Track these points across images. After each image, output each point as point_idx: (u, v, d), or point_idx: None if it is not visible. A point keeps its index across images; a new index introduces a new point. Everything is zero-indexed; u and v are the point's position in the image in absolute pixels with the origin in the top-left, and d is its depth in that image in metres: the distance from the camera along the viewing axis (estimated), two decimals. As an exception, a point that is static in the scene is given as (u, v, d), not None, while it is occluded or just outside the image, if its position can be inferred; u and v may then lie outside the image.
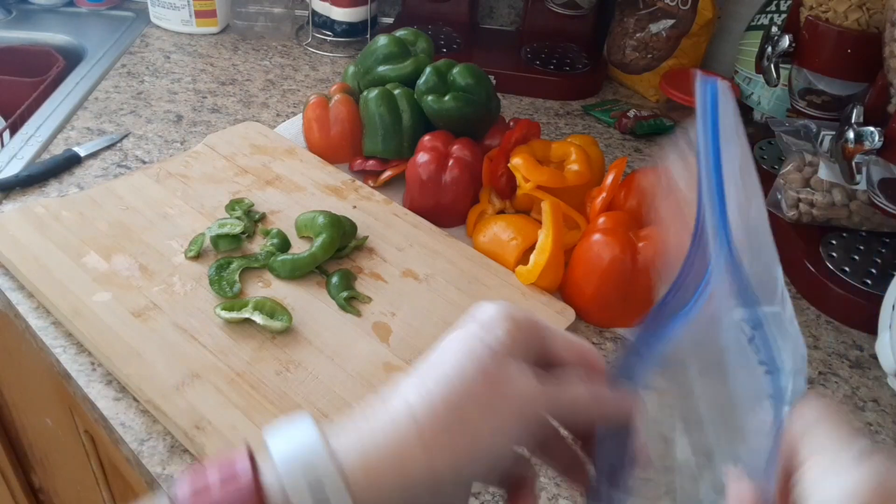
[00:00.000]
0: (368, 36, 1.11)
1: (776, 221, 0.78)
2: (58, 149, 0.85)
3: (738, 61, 1.01)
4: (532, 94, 1.05)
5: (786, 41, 0.76)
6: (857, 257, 0.73)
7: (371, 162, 0.81)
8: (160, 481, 0.50)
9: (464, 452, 0.28)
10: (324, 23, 1.12)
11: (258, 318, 0.59)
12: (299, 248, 0.69)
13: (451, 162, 0.74)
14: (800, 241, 0.75)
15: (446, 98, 0.77)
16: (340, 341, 0.60)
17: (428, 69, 0.79)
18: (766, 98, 0.97)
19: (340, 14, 1.10)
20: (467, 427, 0.28)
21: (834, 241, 0.75)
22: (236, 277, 0.64)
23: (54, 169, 0.79)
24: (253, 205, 0.73)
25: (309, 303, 0.63)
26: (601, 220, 0.66)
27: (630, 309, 0.66)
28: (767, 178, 0.82)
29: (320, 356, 0.58)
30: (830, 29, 0.73)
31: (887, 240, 0.76)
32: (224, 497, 0.26)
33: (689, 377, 0.33)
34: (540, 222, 0.69)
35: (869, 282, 0.70)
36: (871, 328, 0.66)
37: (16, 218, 0.68)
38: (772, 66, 0.78)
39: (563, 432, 0.33)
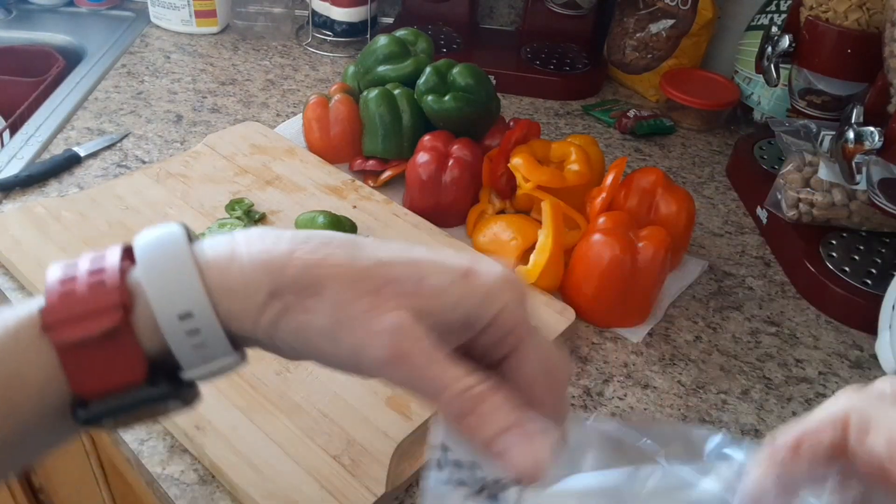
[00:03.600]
0: (368, 36, 1.11)
1: (776, 221, 0.79)
2: (58, 149, 0.85)
3: (738, 61, 1.01)
4: (532, 94, 1.05)
5: (786, 41, 0.76)
6: (857, 257, 0.73)
7: (371, 162, 0.81)
8: (160, 481, 0.50)
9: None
10: (324, 23, 1.12)
11: (258, 318, 0.59)
12: (299, 248, 0.69)
13: (451, 162, 0.74)
14: (800, 241, 0.75)
15: (446, 98, 0.77)
16: (340, 341, 0.60)
17: (428, 69, 0.79)
18: (766, 98, 0.97)
19: (340, 14, 1.10)
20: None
21: (834, 241, 0.75)
22: (236, 277, 0.64)
23: (54, 169, 0.79)
24: (253, 205, 0.73)
25: (309, 303, 0.63)
26: (601, 220, 0.66)
27: (630, 309, 0.66)
28: (767, 178, 0.82)
29: (320, 356, 0.58)
30: (830, 29, 0.73)
31: (887, 240, 0.76)
32: (88, 286, 0.27)
33: None
34: (540, 222, 0.69)
35: (869, 282, 0.70)
36: (871, 328, 0.66)
37: (16, 218, 0.68)
38: (772, 66, 0.78)
39: None
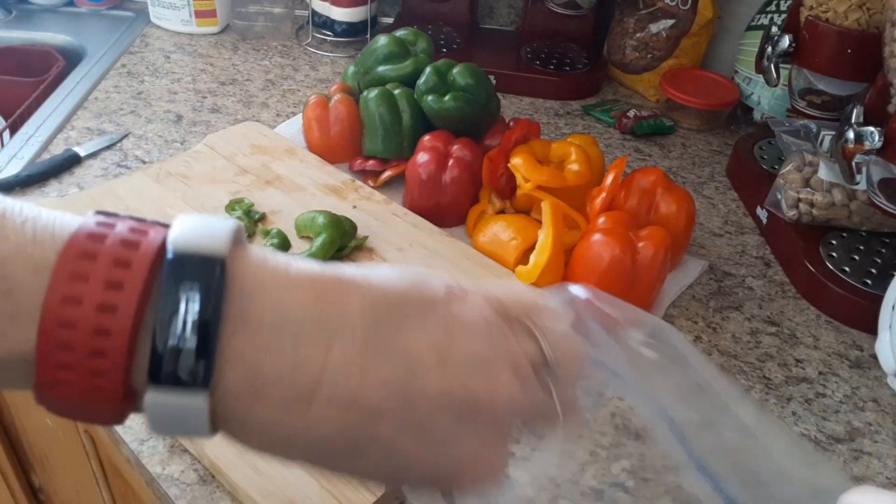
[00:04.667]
0: (368, 36, 1.11)
1: (776, 221, 0.79)
2: (58, 149, 0.85)
3: (738, 61, 1.01)
4: (532, 94, 1.05)
5: (786, 41, 0.76)
6: (857, 257, 0.73)
7: (371, 162, 0.81)
8: (160, 481, 0.50)
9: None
10: (324, 23, 1.12)
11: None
12: (299, 248, 0.69)
13: (451, 162, 0.74)
14: (800, 241, 0.75)
15: (446, 98, 0.77)
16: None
17: (428, 69, 0.79)
18: (766, 98, 0.97)
19: (340, 14, 1.10)
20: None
21: (834, 241, 0.75)
22: (236, 277, 0.64)
23: (54, 169, 0.79)
24: (253, 205, 0.73)
25: (309, 303, 0.63)
26: (601, 220, 0.66)
27: (630, 309, 0.66)
28: (767, 178, 0.82)
29: (320, 356, 0.58)
30: (830, 29, 0.73)
31: (887, 240, 0.76)
32: (122, 239, 0.24)
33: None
34: (540, 222, 0.69)
35: (869, 282, 0.70)
36: (871, 328, 0.66)
37: (16, 218, 0.68)
38: (772, 66, 0.78)
39: None
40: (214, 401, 0.25)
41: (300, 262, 0.27)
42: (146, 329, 0.24)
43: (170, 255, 0.24)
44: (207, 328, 0.24)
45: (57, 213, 0.25)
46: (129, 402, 0.24)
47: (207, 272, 0.24)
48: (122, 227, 0.25)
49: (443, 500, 0.31)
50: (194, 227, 0.25)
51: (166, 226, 0.26)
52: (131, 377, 0.24)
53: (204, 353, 0.24)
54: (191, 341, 0.24)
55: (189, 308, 0.24)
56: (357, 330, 0.26)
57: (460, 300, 0.30)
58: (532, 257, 0.67)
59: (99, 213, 0.26)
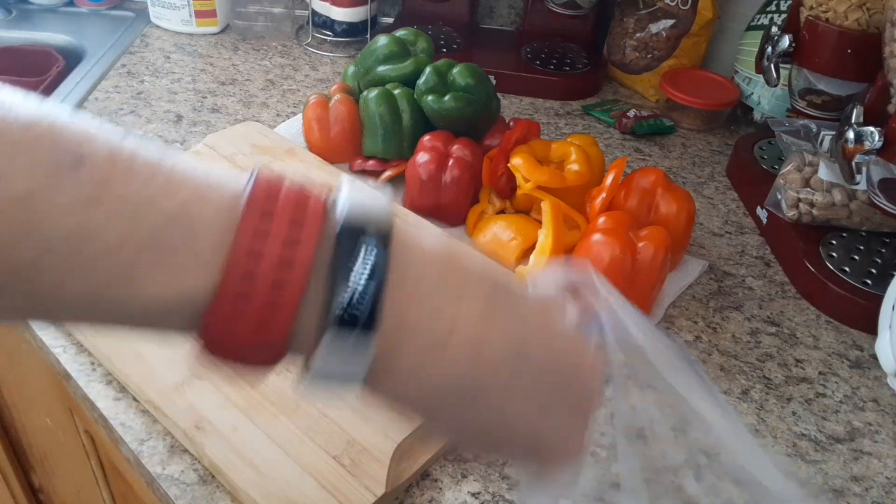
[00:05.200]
0: (368, 36, 1.11)
1: (776, 221, 0.79)
2: (58, 149, 0.84)
3: (738, 61, 1.01)
4: (532, 94, 1.05)
5: (786, 41, 0.76)
6: (857, 257, 0.73)
7: (371, 162, 0.81)
8: (160, 481, 0.50)
9: None
10: (324, 23, 1.12)
11: (258, 318, 0.59)
12: (299, 248, 0.69)
13: (451, 162, 0.74)
14: (800, 241, 0.75)
15: (446, 98, 0.77)
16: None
17: (428, 69, 0.79)
18: (766, 98, 0.97)
19: (340, 14, 1.10)
20: None
21: (834, 241, 0.75)
22: (236, 277, 0.64)
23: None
24: (253, 205, 0.73)
25: (309, 303, 0.63)
26: (601, 220, 0.66)
27: (630, 309, 0.66)
28: (767, 178, 0.82)
29: (320, 356, 0.58)
30: (830, 29, 0.73)
31: (887, 240, 0.76)
32: (296, 190, 0.26)
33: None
34: (540, 222, 0.69)
35: (869, 282, 0.70)
36: (871, 328, 0.66)
37: (16, 218, 0.68)
38: (772, 66, 0.78)
39: None
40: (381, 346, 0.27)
41: (425, 233, 0.31)
42: (319, 272, 0.26)
43: (345, 209, 0.27)
44: (382, 276, 0.26)
45: (219, 168, 0.28)
46: (288, 343, 0.26)
47: (383, 225, 0.27)
48: (290, 183, 0.27)
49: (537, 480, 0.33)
50: (358, 188, 0.28)
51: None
52: (302, 315, 0.26)
53: (377, 298, 0.26)
54: (368, 287, 0.26)
55: (367, 256, 0.26)
56: (479, 292, 0.29)
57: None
58: (532, 257, 0.67)
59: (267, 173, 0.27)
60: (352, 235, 0.26)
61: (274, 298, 0.25)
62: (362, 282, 0.26)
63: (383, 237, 0.27)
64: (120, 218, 0.24)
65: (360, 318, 0.26)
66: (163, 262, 0.24)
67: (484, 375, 0.29)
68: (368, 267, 0.26)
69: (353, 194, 0.27)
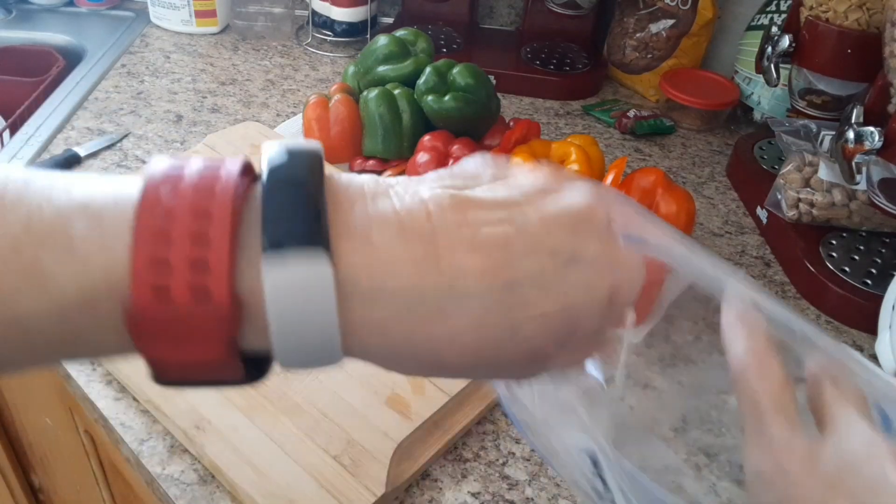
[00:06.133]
0: (368, 36, 1.11)
1: (776, 221, 0.79)
2: (58, 149, 0.85)
3: (738, 61, 1.01)
4: (532, 94, 1.05)
5: (786, 41, 0.76)
6: (857, 257, 0.73)
7: (371, 162, 0.81)
8: (160, 481, 0.50)
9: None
10: (324, 23, 1.12)
11: (258, 318, 0.59)
12: (299, 248, 0.69)
13: (451, 162, 0.74)
14: (800, 241, 0.75)
15: (446, 98, 0.77)
16: (340, 341, 0.59)
17: (428, 69, 0.79)
18: (766, 98, 0.97)
19: (340, 14, 1.10)
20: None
21: (834, 241, 0.75)
22: (236, 277, 0.64)
23: (54, 169, 0.79)
24: (253, 205, 0.73)
25: (309, 303, 0.63)
26: (601, 220, 0.66)
27: (630, 309, 0.66)
28: (767, 178, 0.82)
29: (320, 356, 0.58)
30: (830, 29, 0.73)
31: (887, 240, 0.76)
32: (195, 186, 0.23)
33: None
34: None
35: (869, 282, 0.70)
36: (871, 328, 0.66)
37: (16, 218, 0.68)
38: (772, 66, 0.78)
39: None
40: (338, 273, 0.23)
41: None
42: (250, 228, 0.23)
43: (270, 158, 0.24)
44: (317, 199, 0.23)
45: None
46: (236, 320, 0.22)
47: (312, 159, 0.24)
48: (196, 161, 0.24)
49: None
50: (282, 141, 0.25)
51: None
52: (239, 279, 0.22)
53: (315, 208, 0.23)
54: (300, 204, 0.23)
55: (296, 191, 0.23)
56: (444, 192, 0.25)
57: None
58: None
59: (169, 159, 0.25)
60: (277, 188, 0.23)
61: (197, 280, 0.22)
62: (295, 204, 0.23)
63: (318, 166, 0.24)
64: (15, 216, 0.22)
65: (298, 232, 0.22)
66: (66, 255, 0.22)
67: (499, 268, 0.25)
68: (300, 199, 0.23)
69: (274, 151, 0.24)
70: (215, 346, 0.23)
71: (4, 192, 0.23)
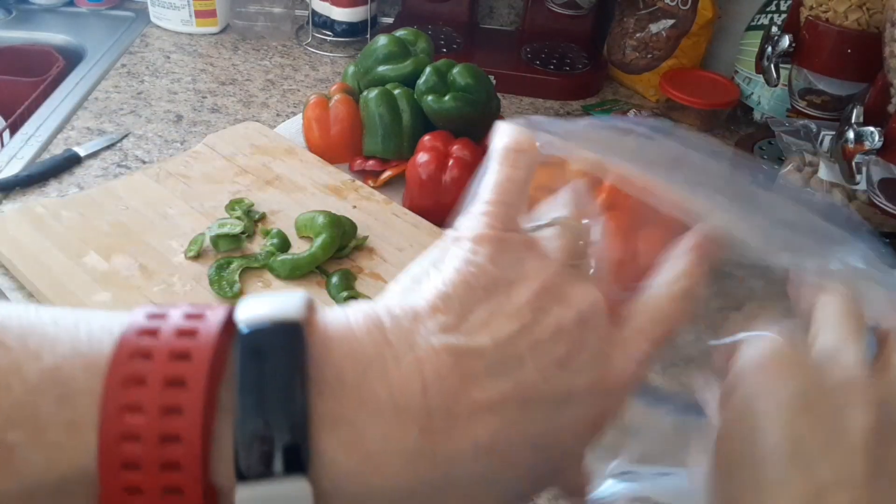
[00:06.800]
0: (368, 36, 1.11)
1: (776, 221, 0.78)
2: (58, 149, 0.85)
3: (738, 61, 1.01)
4: (532, 94, 1.05)
5: (786, 41, 0.76)
6: (857, 257, 0.73)
7: (371, 162, 0.81)
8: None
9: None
10: (324, 23, 1.12)
11: (258, 318, 0.59)
12: (299, 248, 0.69)
13: (451, 162, 0.74)
14: (800, 241, 0.75)
15: (446, 98, 0.77)
16: (340, 341, 0.59)
17: (428, 69, 0.79)
18: (766, 98, 0.97)
19: (340, 14, 1.10)
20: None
21: (834, 241, 0.75)
22: (236, 277, 0.64)
23: (54, 169, 0.79)
24: (253, 205, 0.73)
25: (309, 303, 0.63)
26: (601, 220, 0.66)
27: (630, 309, 0.66)
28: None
29: (320, 356, 0.58)
30: (830, 29, 0.73)
31: (887, 240, 0.76)
32: (177, 335, 0.21)
33: None
34: (540, 222, 0.69)
35: (869, 282, 0.70)
36: (871, 328, 0.66)
37: (16, 218, 0.68)
38: (772, 66, 0.78)
39: None
40: (321, 479, 0.21)
41: (352, 308, 0.25)
42: (223, 416, 0.21)
43: (243, 328, 0.22)
44: (294, 396, 0.21)
45: (114, 313, 0.23)
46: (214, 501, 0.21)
47: (288, 335, 0.22)
48: (175, 316, 0.22)
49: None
50: (262, 301, 0.23)
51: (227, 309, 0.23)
52: (214, 476, 0.21)
53: (297, 427, 0.21)
54: (279, 416, 0.21)
55: (271, 375, 0.21)
56: (443, 349, 0.23)
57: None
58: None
59: (149, 308, 0.23)
60: (249, 352, 0.22)
61: (168, 480, 0.20)
62: (272, 405, 0.21)
63: (296, 342, 0.22)
64: None
65: (275, 461, 0.21)
66: (35, 439, 0.21)
67: (514, 388, 0.23)
68: (277, 385, 0.21)
69: (251, 305, 0.23)
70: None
71: None
